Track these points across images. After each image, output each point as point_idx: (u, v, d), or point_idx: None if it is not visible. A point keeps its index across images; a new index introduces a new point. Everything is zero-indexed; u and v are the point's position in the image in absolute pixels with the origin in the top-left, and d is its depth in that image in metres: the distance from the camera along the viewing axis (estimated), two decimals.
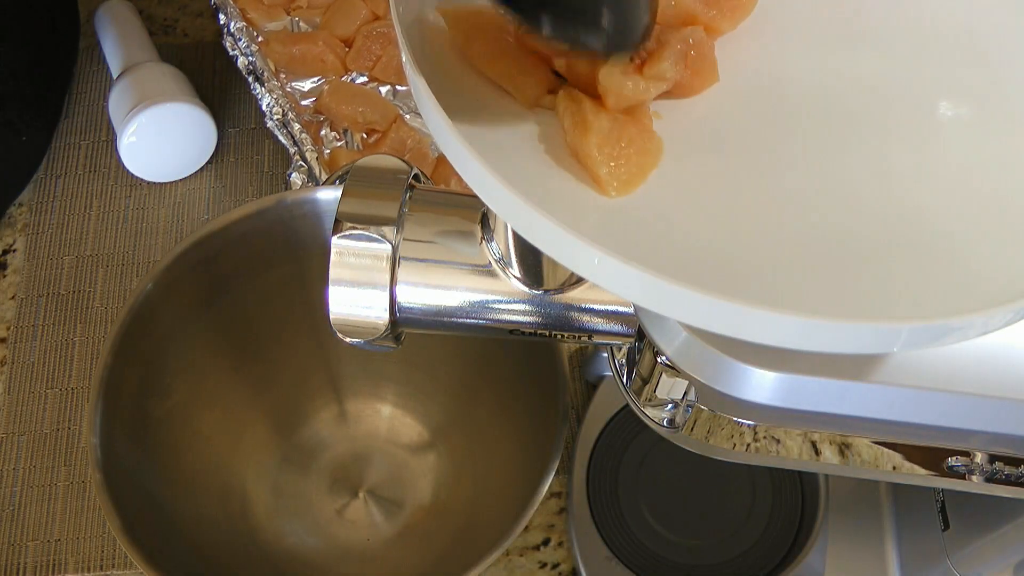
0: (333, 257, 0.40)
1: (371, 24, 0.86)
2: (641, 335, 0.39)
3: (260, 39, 0.84)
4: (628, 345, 0.42)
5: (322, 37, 0.84)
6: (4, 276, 0.80)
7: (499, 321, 0.42)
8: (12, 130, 0.78)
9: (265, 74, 0.79)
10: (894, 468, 0.40)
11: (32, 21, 0.82)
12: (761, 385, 0.36)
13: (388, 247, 0.40)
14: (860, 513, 0.64)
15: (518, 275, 0.41)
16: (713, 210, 0.32)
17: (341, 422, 0.73)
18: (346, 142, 0.81)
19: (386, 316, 0.41)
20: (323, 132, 0.81)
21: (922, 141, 0.34)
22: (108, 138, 0.86)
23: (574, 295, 0.41)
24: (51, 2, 0.86)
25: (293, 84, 0.83)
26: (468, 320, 0.42)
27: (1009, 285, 0.30)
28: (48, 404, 0.74)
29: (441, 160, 0.79)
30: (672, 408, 0.40)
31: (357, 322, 0.41)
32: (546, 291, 0.41)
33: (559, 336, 0.42)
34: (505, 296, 0.41)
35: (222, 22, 0.83)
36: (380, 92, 0.84)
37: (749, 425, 0.38)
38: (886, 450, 0.39)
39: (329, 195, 0.63)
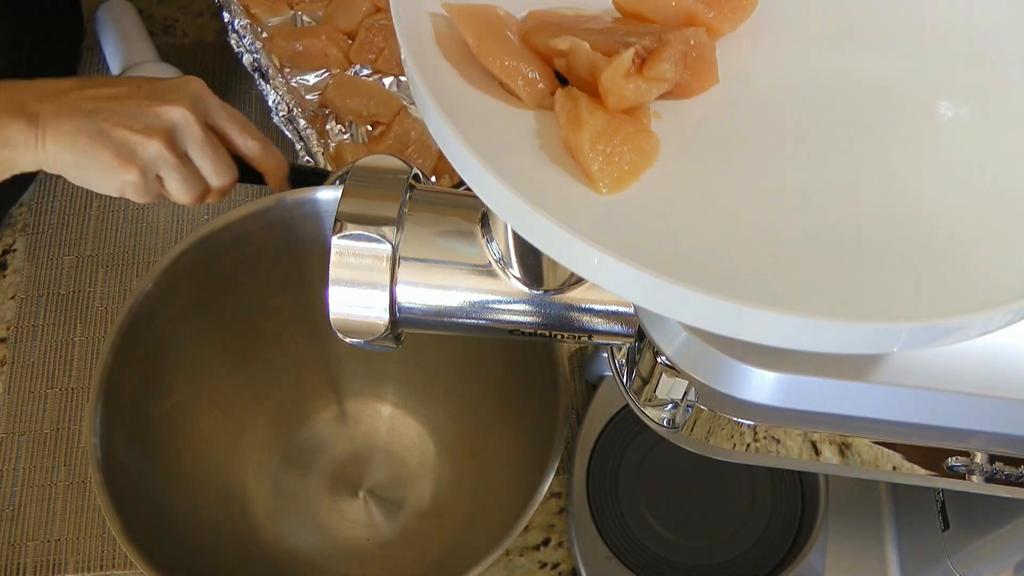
0: (333, 257, 0.40)
1: (373, 16, 0.86)
2: (641, 335, 0.39)
3: (264, 35, 0.84)
4: (628, 345, 0.42)
5: (325, 31, 0.84)
6: (4, 276, 0.80)
7: (499, 321, 0.42)
8: None
9: (270, 71, 0.79)
10: (894, 468, 0.40)
11: (35, 21, 0.82)
12: (761, 385, 0.36)
13: (388, 247, 0.40)
14: (860, 513, 0.64)
15: (518, 275, 0.41)
16: (713, 210, 0.32)
17: (341, 422, 0.73)
18: (351, 135, 0.81)
19: (386, 316, 0.41)
20: (328, 126, 0.81)
21: (922, 142, 0.34)
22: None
23: (574, 295, 0.41)
24: (53, 2, 0.86)
25: (298, 79, 0.83)
26: (468, 320, 0.42)
27: (1009, 285, 0.30)
28: (48, 404, 0.74)
29: None
30: (672, 408, 0.40)
31: (357, 322, 0.41)
32: (546, 291, 0.41)
33: (559, 336, 0.42)
34: (505, 296, 0.41)
35: (226, 19, 0.83)
36: (383, 84, 0.84)
37: (749, 425, 0.38)
38: (886, 450, 0.39)
39: (329, 195, 0.63)
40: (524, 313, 0.42)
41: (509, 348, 0.65)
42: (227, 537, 0.64)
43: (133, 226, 0.82)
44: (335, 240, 0.40)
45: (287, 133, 0.78)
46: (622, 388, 0.42)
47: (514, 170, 0.31)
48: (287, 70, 0.83)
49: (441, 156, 0.79)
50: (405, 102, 0.83)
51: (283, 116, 0.78)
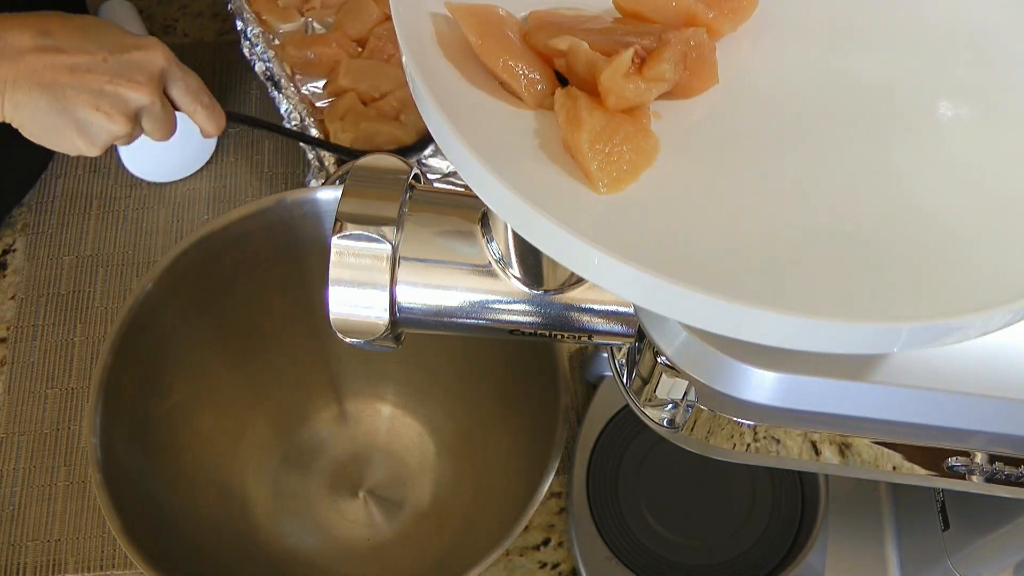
0: (333, 257, 0.40)
1: (383, 24, 0.86)
2: (641, 335, 0.39)
3: (276, 42, 0.84)
4: (628, 345, 0.42)
5: (335, 39, 0.84)
6: (4, 276, 0.80)
7: (499, 321, 0.42)
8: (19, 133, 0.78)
9: (282, 80, 0.79)
10: (894, 468, 0.40)
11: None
12: (761, 385, 0.36)
13: (388, 247, 0.40)
14: (860, 513, 0.64)
15: (518, 275, 0.41)
16: (713, 210, 0.32)
17: (341, 422, 0.73)
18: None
19: (386, 316, 0.41)
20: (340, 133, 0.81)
21: (922, 142, 0.34)
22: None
23: (574, 295, 0.41)
24: (53, 3, 0.85)
25: (309, 86, 0.83)
26: (468, 320, 0.42)
27: (1009, 285, 0.30)
28: (48, 404, 0.74)
29: None
30: (672, 408, 0.40)
31: (357, 322, 0.41)
32: (546, 291, 0.41)
33: (559, 336, 0.42)
34: (505, 296, 0.41)
35: (239, 28, 0.83)
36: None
37: (749, 425, 0.38)
38: (886, 450, 0.39)
39: (329, 195, 0.63)
40: (524, 313, 0.42)
41: (509, 348, 0.65)
42: (227, 537, 0.64)
43: (133, 226, 0.82)
44: (335, 240, 0.40)
45: (300, 142, 0.78)
46: (622, 388, 0.42)
47: (514, 170, 0.31)
48: (298, 78, 0.83)
49: None
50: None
51: (295, 125, 0.78)
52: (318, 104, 0.82)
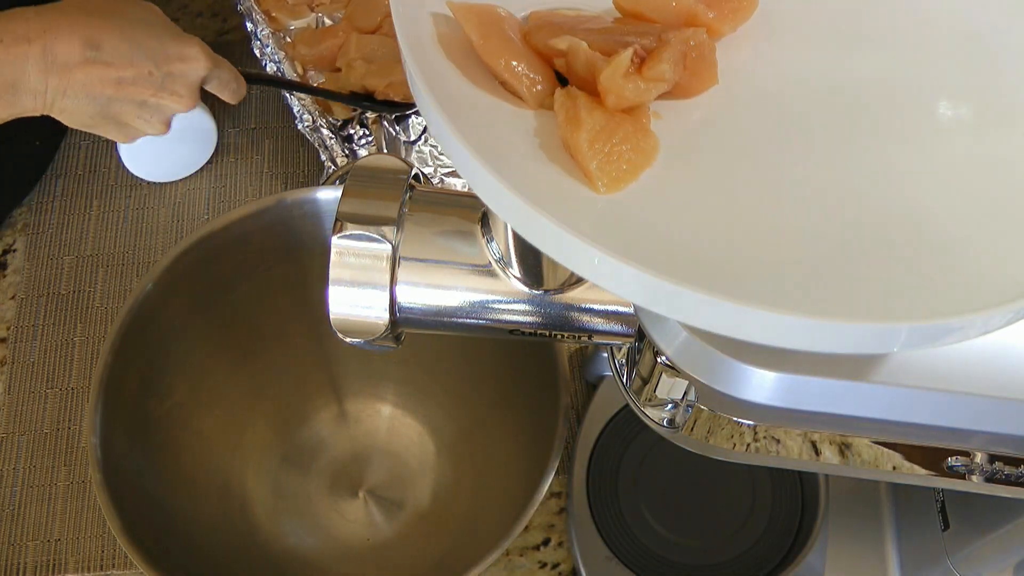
0: (333, 257, 0.40)
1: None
2: (641, 335, 0.39)
3: (287, 40, 0.84)
4: (628, 345, 0.42)
5: (343, 29, 0.84)
6: (4, 276, 0.80)
7: (499, 321, 0.42)
8: (28, 133, 0.78)
9: (294, 79, 0.79)
10: (894, 468, 0.40)
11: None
12: (761, 385, 0.36)
13: (388, 247, 0.40)
14: (860, 513, 0.64)
15: (518, 275, 0.41)
16: (713, 210, 0.32)
17: (341, 422, 0.73)
18: (375, 139, 0.81)
19: (386, 316, 0.41)
20: (352, 131, 0.81)
21: (921, 142, 0.34)
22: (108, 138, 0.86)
23: (574, 295, 0.41)
24: None
25: (323, 82, 0.83)
26: (468, 320, 0.42)
27: (1009, 285, 0.30)
28: (48, 404, 0.74)
29: None
30: (672, 408, 0.40)
31: (357, 322, 0.41)
32: (546, 291, 0.41)
33: (559, 336, 0.42)
34: (505, 296, 0.41)
35: (249, 29, 0.82)
36: None
37: (749, 425, 0.38)
38: (886, 450, 0.39)
39: (329, 195, 0.63)
40: (524, 313, 0.42)
41: (509, 348, 0.65)
42: (227, 537, 0.64)
43: (133, 226, 0.82)
44: (335, 240, 0.40)
45: (312, 141, 0.78)
46: (622, 388, 0.42)
47: (514, 170, 0.31)
48: (310, 75, 0.83)
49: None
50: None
51: (307, 126, 0.78)
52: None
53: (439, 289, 0.41)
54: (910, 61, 0.37)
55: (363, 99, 0.80)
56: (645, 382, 0.40)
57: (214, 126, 0.83)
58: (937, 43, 0.37)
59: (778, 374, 0.36)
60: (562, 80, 0.35)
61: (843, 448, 0.39)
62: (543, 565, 0.69)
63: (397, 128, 0.81)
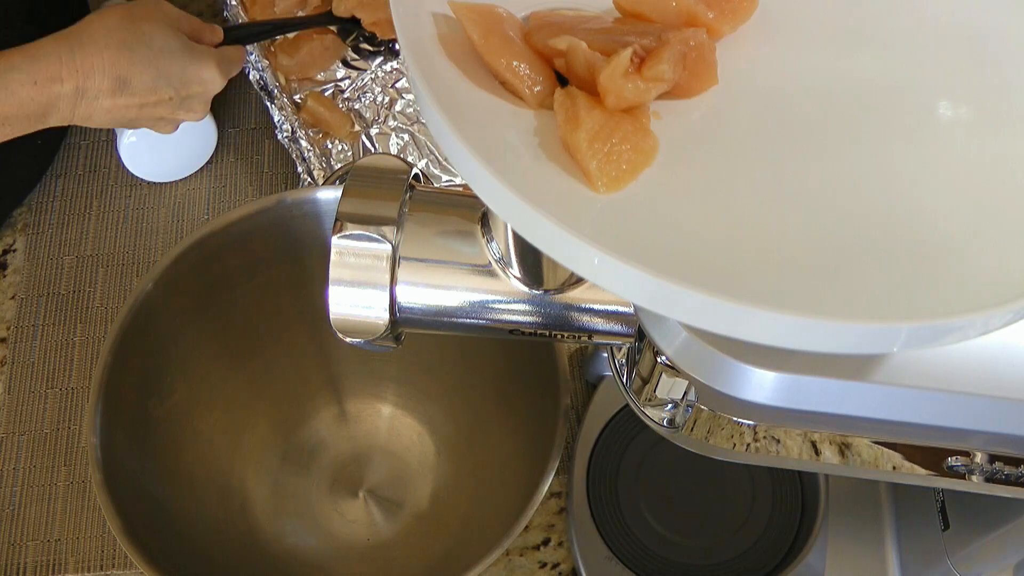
0: (333, 257, 0.40)
1: None
2: (641, 335, 0.39)
3: (271, 50, 0.84)
4: (628, 345, 0.42)
5: (315, 32, 0.84)
6: (4, 276, 0.80)
7: (499, 321, 0.42)
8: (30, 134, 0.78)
9: (275, 90, 0.79)
10: (894, 468, 0.40)
11: (38, 20, 0.82)
12: (761, 385, 0.36)
13: (388, 247, 0.40)
14: (860, 513, 0.64)
15: (518, 275, 0.41)
16: (713, 210, 0.32)
17: (341, 422, 0.73)
18: (353, 154, 0.82)
19: (386, 316, 0.41)
20: (329, 144, 0.81)
21: (921, 142, 0.34)
22: (108, 138, 0.86)
23: (574, 295, 0.41)
24: (58, 4, 0.85)
25: (311, 90, 0.83)
26: (468, 320, 0.42)
27: (1009, 285, 0.30)
28: (48, 404, 0.74)
29: None
30: (672, 408, 0.40)
31: (357, 322, 0.41)
32: (546, 291, 0.41)
33: (559, 336, 0.42)
34: (505, 296, 0.41)
35: None
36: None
37: (749, 425, 0.38)
38: (886, 450, 0.39)
39: (329, 195, 0.63)
40: (524, 313, 0.42)
41: (509, 348, 0.65)
42: (227, 537, 0.64)
43: (133, 226, 0.82)
44: (335, 240, 0.40)
45: (291, 153, 0.78)
46: (622, 388, 0.42)
47: (514, 169, 0.31)
48: (293, 84, 0.83)
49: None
50: None
51: (286, 136, 0.78)
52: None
53: (439, 289, 0.41)
54: (910, 61, 0.37)
55: (348, 22, 0.83)
56: (645, 382, 0.40)
57: (214, 126, 0.83)
58: (938, 43, 0.37)
59: (778, 374, 0.36)
60: (562, 80, 0.35)
61: (843, 448, 0.39)
62: (543, 565, 0.69)
63: (377, 147, 0.82)
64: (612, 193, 0.32)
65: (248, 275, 0.66)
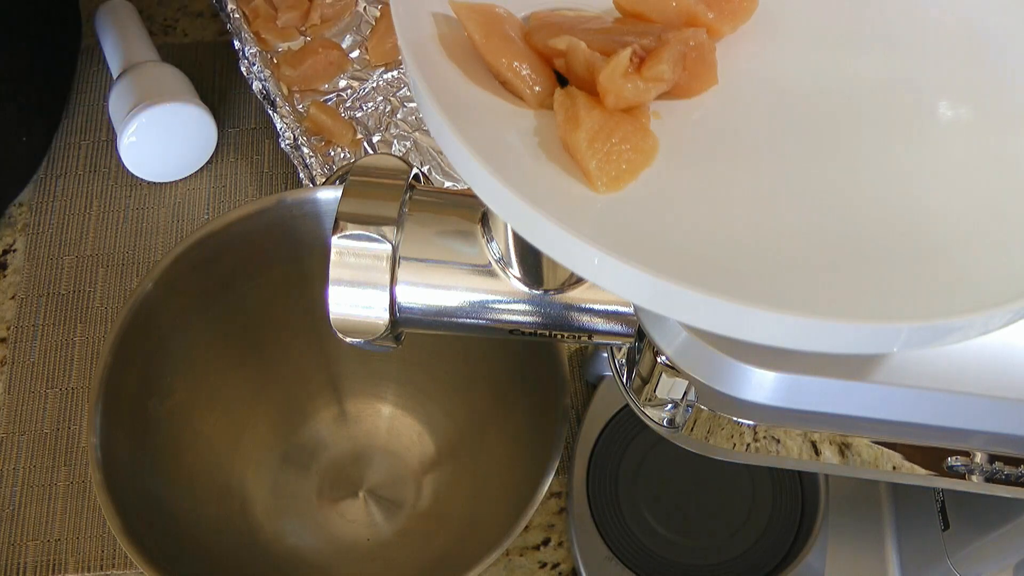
0: (333, 257, 0.40)
1: None
2: (641, 335, 0.39)
3: (275, 61, 0.84)
4: (628, 345, 0.42)
5: (320, 43, 0.84)
6: (4, 276, 0.80)
7: (499, 321, 0.42)
8: (12, 131, 0.78)
9: (277, 99, 0.79)
10: (894, 468, 0.40)
11: (32, 21, 0.82)
12: (761, 385, 0.36)
13: (388, 247, 0.40)
14: (860, 513, 0.64)
15: (518, 275, 0.41)
16: (713, 211, 0.32)
17: (341, 422, 0.73)
18: (355, 160, 0.82)
19: (386, 316, 0.41)
20: (332, 152, 0.81)
21: (922, 142, 0.34)
22: (108, 138, 0.86)
23: (574, 295, 0.41)
24: (51, 2, 0.86)
25: (314, 100, 0.83)
26: (468, 320, 0.42)
27: (1009, 285, 0.30)
28: (48, 404, 0.74)
29: None
30: (672, 408, 0.40)
31: (357, 322, 0.41)
32: (546, 291, 0.41)
33: (559, 336, 0.42)
34: (505, 296, 0.41)
35: (237, 47, 0.82)
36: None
37: (749, 425, 0.38)
38: (886, 450, 0.39)
39: (329, 195, 0.63)
40: (524, 313, 0.42)
41: (509, 348, 0.65)
42: (227, 537, 0.64)
43: (133, 226, 0.82)
44: (335, 240, 0.40)
45: (292, 160, 0.78)
46: (622, 388, 0.42)
47: (513, 169, 0.31)
48: (296, 95, 0.83)
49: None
50: None
51: (288, 144, 0.78)
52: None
53: (439, 289, 0.41)
54: (911, 62, 0.37)
55: None
56: (645, 382, 0.40)
57: (214, 126, 0.83)
58: (939, 43, 0.37)
59: (778, 374, 0.36)
60: (562, 80, 0.35)
61: (843, 448, 0.39)
62: (543, 565, 0.69)
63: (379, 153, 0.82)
64: (612, 193, 0.32)
65: (248, 275, 0.65)
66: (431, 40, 0.35)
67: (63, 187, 0.84)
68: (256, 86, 0.81)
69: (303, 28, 0.87)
